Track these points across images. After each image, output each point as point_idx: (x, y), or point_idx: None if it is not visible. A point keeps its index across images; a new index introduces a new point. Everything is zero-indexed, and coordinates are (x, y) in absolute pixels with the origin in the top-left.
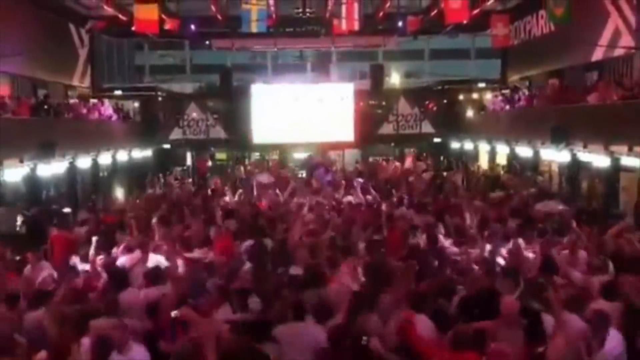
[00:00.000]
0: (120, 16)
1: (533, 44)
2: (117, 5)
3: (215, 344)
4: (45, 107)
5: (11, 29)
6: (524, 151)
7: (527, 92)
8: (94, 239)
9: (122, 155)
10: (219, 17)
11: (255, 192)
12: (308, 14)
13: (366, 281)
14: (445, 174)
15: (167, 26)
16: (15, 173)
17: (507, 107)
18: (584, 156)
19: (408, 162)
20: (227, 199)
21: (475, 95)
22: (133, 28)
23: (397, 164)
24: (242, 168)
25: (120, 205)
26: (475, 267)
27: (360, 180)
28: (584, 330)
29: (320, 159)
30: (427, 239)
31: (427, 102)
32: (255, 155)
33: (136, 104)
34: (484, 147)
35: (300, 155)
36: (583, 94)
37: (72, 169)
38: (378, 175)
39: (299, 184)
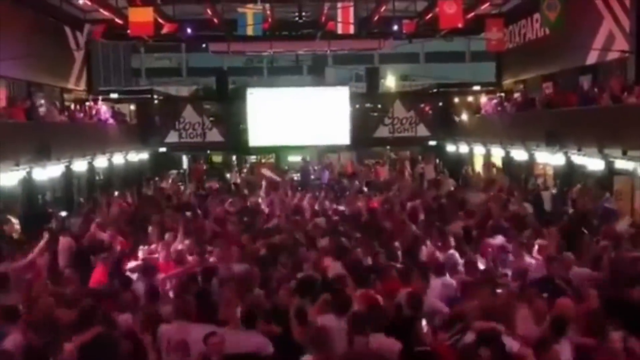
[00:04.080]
0: (117, 19)
1: (528, 48)
2: (113, 8)
3: None
4: (38, 107)
5: (6, 32)
6: (519, 154)
7: (521, 95)
8: None
9: (119, 159)
10: (215, 20)
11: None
12: (304, 18)
13: None
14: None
15: (163, 29)
16: (11, 177)
17: (502, 109)
18: (578, 159)
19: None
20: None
21: (470, 98)
22: (128, 31)
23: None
24: (236, 172)
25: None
26: None
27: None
28: None
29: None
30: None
31: (422, 105)
32: (252, 158)
33: (132, 107)
34: (479, 150)
35: (295, 158)
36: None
37: (68, 173)
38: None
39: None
